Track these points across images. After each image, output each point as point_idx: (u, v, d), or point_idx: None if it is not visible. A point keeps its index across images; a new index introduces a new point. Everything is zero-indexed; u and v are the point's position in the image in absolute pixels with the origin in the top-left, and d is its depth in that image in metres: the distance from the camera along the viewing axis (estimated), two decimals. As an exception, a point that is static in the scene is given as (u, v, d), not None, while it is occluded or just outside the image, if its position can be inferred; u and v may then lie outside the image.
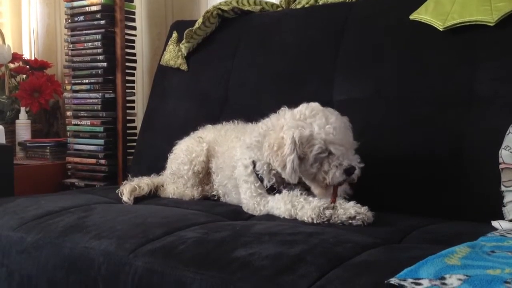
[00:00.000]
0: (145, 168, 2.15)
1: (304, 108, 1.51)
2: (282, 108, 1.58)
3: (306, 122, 1.47)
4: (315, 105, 1.52)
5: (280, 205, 1.52)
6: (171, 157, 1.91)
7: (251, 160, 1.60)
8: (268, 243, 1.21)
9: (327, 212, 1.42)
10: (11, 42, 3.20)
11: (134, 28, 2.62)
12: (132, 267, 1.26)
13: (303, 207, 1.46)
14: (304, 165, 1.48)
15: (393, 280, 0.95)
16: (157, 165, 2.02)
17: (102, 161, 2.50)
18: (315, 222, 1.42)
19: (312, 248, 1.16)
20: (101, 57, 2.51)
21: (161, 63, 2.37)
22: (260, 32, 2.16)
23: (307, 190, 1.55)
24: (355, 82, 1.85)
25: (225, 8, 2.22)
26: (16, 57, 2.97)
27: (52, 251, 1.43)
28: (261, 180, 1.59)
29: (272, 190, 1.58)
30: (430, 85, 1.69)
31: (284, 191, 1.53)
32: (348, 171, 1.45)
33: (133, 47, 2.61)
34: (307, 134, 1.45)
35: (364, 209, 1.42)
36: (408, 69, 1.75)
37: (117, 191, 1.84)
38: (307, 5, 2.15)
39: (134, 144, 2.46)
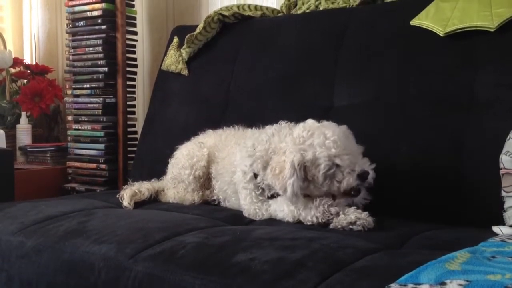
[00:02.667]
0: (145, 173, 2.15)
1: (301, 131, 1.50)
2: (283, 124, 1.59)
3: (306, 144, 1.46)
4: (310, 124, 1.52)
5: (283, 207, 1.52)
6: (172, 162, 1.91)
7: (251, 168, 1.59)
8: (269, 248, 1.21)
9: (333, 210, 1.42)
10: (12, 47, 3.20)
11: (135, 33, 2.63)
12: (132, 272, 1.26)
13: (306, 207, 1.46)
14: (314, 186, 1.47)
15: (394, 285, 0.95)
16: (158, 170, 2.02)
17: (103, 166, 2.50)
18: (320, 221, 1.42)
19: (313, 253, 1.16)
20: (102, 62, 2.51)
21: (162, 68, 2.37)
22: (260, 37, 2.16)
23: None
24: (356, 86, 1.85)
25: (226, 13, 2.22)
26: (17, 61, 2.97)
27: (52, 256, 1.43)
28: (262, 189, 1.59)
29: (272, 197, 1.58)
30: (430, 90, 1.69)
31: (286, 194, 1.54)
32: (362, 175, 1.45)
33: (134, 52, 2.62)
34: (311, 157, 1.45)
35: (364, 215, 1.42)
36: (408, 74, 1.75)
37: (117, 196, 1.84)
38: (307, 11, 2.15)
39: (135, 148, 2.46)
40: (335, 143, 1.44)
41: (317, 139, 1.45)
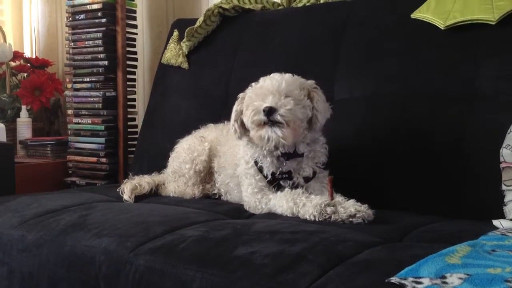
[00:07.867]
0: (146, 167, 2.15)
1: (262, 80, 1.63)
2: None
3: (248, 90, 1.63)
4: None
5: (282, 203, 1.52)
6: (173, 156, 1.91)
7: (253, 156, 1.61)
8: (269, 242, 1.21)
9: (329, 209, 1.42)
10: (12, 40, 3.20)
11: (135, 26, 2.62)
12: (132, 266, 1.26)
13: (305, 205, 1.46)
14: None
15: (394, 279, 0.95)
16: (158, 164, 2.02)
17: (103, 160, 2.50)
18: (317, 219, 1.42)
19: (313, 247, 1.16)
20: (102, 56, 2.51)
21: (162, 61, 2.37)
22: (261, 30, 2.16)
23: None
24: (356, 80, 1.85)
25: (226, 6, 2.22)
26: (17, 55, 2.97)
27: (53, 249, 1.43)
28: (260, 170, 1.60)
29: (273, 182, 1.58)
30: (431, 83, 1.69)
31: (286, 189, 1.54)
32: (267, 111, 1.49)
33: (134, 46, 2.61)
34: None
35: (364, 207, 1.42)
36: (409, 67, 1.74)
37: (118, 190, 1.84)
38: (308, 4, 2.15)
39: (135, 142, 2.46)
40: (254, 88, 1.58)
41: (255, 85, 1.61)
